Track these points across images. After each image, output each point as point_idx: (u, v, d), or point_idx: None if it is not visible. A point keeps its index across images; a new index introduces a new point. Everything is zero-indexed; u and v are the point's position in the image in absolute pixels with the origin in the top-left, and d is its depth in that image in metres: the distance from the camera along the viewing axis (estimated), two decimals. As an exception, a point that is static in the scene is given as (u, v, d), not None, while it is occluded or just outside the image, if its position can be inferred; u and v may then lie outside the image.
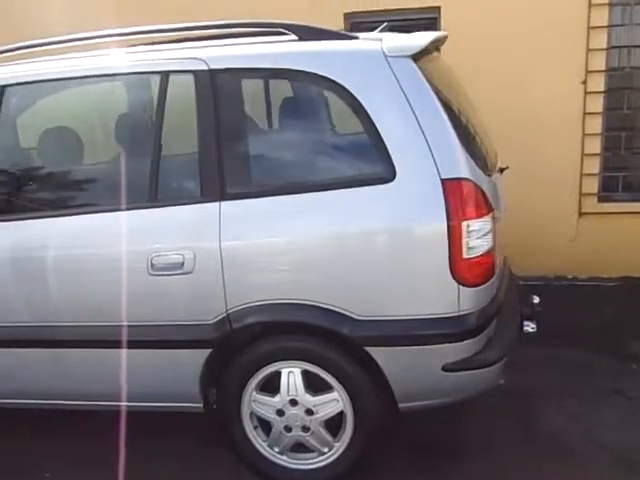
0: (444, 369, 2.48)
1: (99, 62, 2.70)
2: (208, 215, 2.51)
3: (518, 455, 2.89)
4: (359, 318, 2.46)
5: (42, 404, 2.92)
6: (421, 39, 2.54)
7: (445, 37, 3.20)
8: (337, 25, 4.72)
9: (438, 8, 4.61)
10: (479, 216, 2.42)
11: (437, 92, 2.51)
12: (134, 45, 2.89)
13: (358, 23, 4.79)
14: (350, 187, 2.44)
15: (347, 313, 2.46)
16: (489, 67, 4.53)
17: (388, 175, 2.39)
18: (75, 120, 3.00)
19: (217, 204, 2.51)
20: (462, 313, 2.44)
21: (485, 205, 2.46)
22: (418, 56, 2.49)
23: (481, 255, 2.45)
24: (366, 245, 2.45)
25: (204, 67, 2.55)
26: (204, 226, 2.52)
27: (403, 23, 4.56)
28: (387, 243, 2.45)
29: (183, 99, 2.61)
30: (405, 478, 2.81)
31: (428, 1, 4.60)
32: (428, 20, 4.65)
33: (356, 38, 2.61)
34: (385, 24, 3.00)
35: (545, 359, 3.67)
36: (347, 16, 4.83)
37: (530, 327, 3.09)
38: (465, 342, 2.48)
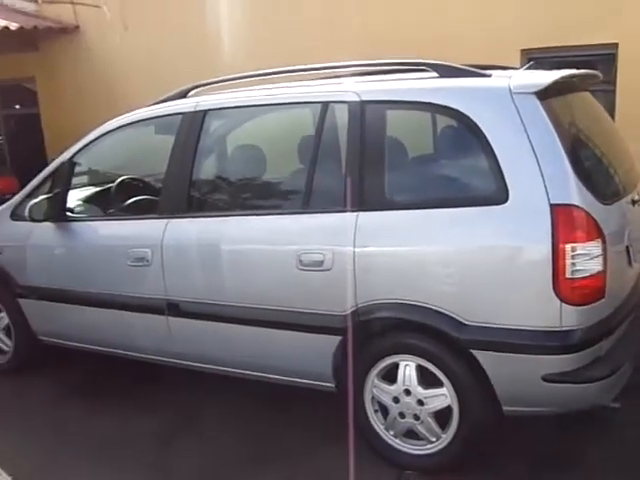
0: (544, 379, 2.70)
1: (274, 93, 3.32)
2: (347, 223, 2.98)
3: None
4: (467, 323, 2.77)
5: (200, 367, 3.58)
6: (546, 78, 2.79)
7: (593, 76, 3.37)
8: (514, 60, 4.98)
9: (616, 45, 4.68)
10: (585, 240, 2.62)
11: (564, 126, 2.76)
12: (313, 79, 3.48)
13: (535, 59, 5.00)
14: (468, 206, 2.78)
15: (457, 317, 2.78)
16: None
17: (502, 198, 2.69)
18: (258, 139, 3.66)
19: (355, 214, 2.97)
20: (564, 329, 2.65)
21: (594, 231, 2.64)
22: (545, 93, 2.75)
23: (586, 277, 2.63)
24: (478, 258, 2.75)
25: (356, 99, 3.04)
26: (342, 232, 2.98)
27: (582, 59, 4.71)
28: (497, 258, 2.73)
29: (337, 125, 3.12)
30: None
31: (605, 38, 4.69)
32: (605, 56, 4.74)
33: (489, 76, 2.94)
34: (531, 63, 3.27)
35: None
36: (524, 52, 5.06)
37: (659, 359, 3.13)
38: (565, 356, 2.67)
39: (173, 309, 3.51)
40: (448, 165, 3.01)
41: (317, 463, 3.17)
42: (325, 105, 3.14)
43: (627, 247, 3.01)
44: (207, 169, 3.64)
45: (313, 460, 3.20)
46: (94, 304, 3.83)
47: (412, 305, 2.87)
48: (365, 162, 2.98)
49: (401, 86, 3.07)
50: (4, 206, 4.34)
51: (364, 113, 3.01)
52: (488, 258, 2.75)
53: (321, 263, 3.02)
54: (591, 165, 2.92)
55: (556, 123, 2.72)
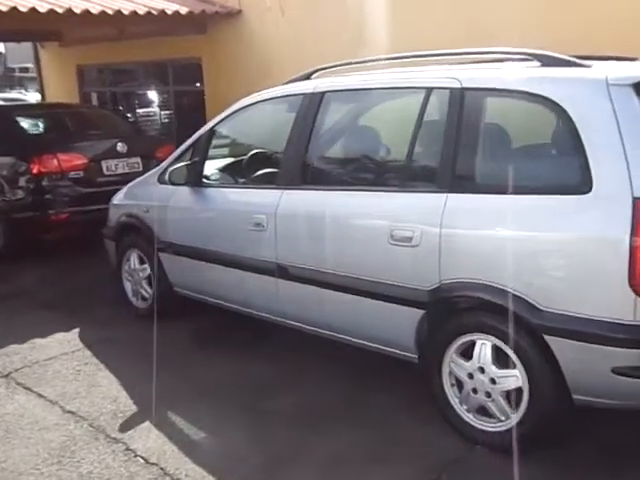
0: (613, 371, 2.71)
1: (384, 78, 3.54)
2: (436, 203, 3.14)
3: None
4: (543, 308, 2.84)
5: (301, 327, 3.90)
6: (645, 70, 2.77)
7: None
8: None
9: None
10: (666, 237, 2.59)
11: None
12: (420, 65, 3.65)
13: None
14: (553, 194, 2.84)
15: (533, 302, 2.86)
16: None
17: (585, 188, 2.73)
18: (367, 120, 3.89)
19: (445, 196, 3.12)
20: (637, 323, 2.65)
21: (677, 228, 2.60)
22: (643, 85, 2.74)
23: (664, 273, 2.61)
24: (558, 246, 2.82)
25: (458, 85, 3.17)
26: (431, 211, 3.14)
27: None
28: (576, 247, 2.78)
29: (437, 110, 3.28)
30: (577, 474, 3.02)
31: None
32: None
33: (589, 67, 2.94)
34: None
35: None
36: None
37: None
38: (637, 351, 2.67)
39: (282, 272, 3.85)
40: (538, 153, 3.07)
41: (393, 424, 3.40)
42: (429, 90, 3.31)
43: None
44: (320, 146, 3.93)
45: (390, 419, 3.44)
46: (219, 262, 4.27)
47: (491, 286, 2.97)
48: (459, 146, 3.11)
49: (500, 74, 3.16)
50: (153, 171, 4.94)
51: (464, 99, 3.14)
52: (567, 246, 2.80)
53: (410, 239, 3.20)
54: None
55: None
